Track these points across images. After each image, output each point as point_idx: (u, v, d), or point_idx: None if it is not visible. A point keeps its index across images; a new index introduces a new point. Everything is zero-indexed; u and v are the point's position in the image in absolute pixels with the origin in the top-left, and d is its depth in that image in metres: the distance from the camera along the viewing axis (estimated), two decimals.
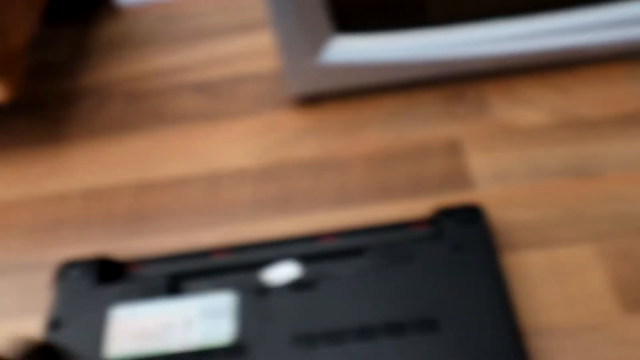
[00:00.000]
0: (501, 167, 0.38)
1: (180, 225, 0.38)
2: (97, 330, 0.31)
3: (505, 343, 0.29)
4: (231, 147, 0.41)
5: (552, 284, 0.34)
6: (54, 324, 0.31)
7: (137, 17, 0.48)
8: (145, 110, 0.43)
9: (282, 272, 0.32)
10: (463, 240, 0.32)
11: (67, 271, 0.33)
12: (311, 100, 0.42)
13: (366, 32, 0.37)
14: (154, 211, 0.39)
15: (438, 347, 0.29)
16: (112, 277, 0.33)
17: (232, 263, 0.33)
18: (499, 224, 0.36)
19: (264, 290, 0.31)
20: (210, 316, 0.30)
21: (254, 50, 0.45)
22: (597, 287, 0.33)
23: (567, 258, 0.34)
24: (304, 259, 0.33)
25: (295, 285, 0.31)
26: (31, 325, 0.34)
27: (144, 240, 0.37)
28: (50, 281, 0.35)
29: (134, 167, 0.41)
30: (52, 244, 0.37)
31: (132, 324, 0.31)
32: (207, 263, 0.33)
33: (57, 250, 0.37)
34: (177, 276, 0.33)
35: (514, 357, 0.28)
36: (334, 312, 0.30)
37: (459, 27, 0.39)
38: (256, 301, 0.31)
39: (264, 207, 0.38)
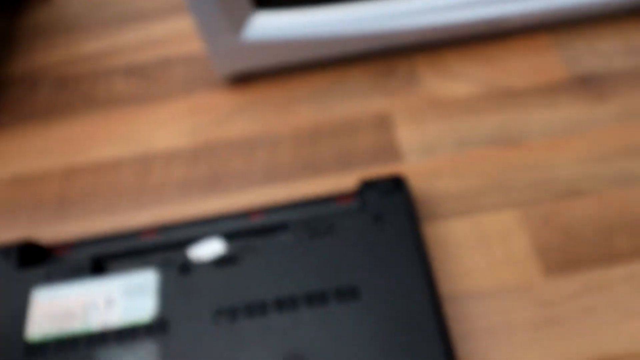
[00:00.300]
0: (429, 139, 0.39)
1: (111, 208, 0.38)
2: (18, 314, 0.30)
3: (425, 309, 0.29)
4: (162, 129, 0.41)
5: (476, 250, 0.34)
6: None
7: (65, 2, 0.47)
8: (75, 95, 0.43)
9: (207, 249, 0.32)
10: (384, 211, 0.32)
11: None
12: (241, 80, 0.42)
13: (289, 7, 0.37)
14: (84, 195, 0.38)
15: (359, 315, 0.29)
16: (36, 261, 0.33)
17: (158, 243, 0.33)
18: (425, 194, 0.36)
19: (188, 267, 0.31)
20: (132, 294, 0.30)
21: (185, 32, 0.44)
22: (519, 252, 0.34)
23: (490, 225, 0.35)
24: (230, 236, 0.33)
25: (219, 262, 0.32)
26: None
27: (73, 224, 0.37)
28: None
29: (63, 152, 0.40)
30: None
31: (53, 305, 0.30)
32: (134, 243, 0.33)
33: None
34: (102, 258, 0.33)
35: (433, 322, 0.29)
36: (256, 286, 0.30)
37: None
38: (179, 278, 0.31)
39: (195, 187, 0.38)
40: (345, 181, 0.37)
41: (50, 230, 0.37)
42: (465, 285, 0.33)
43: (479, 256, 0.34)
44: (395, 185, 0.33)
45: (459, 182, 0.37)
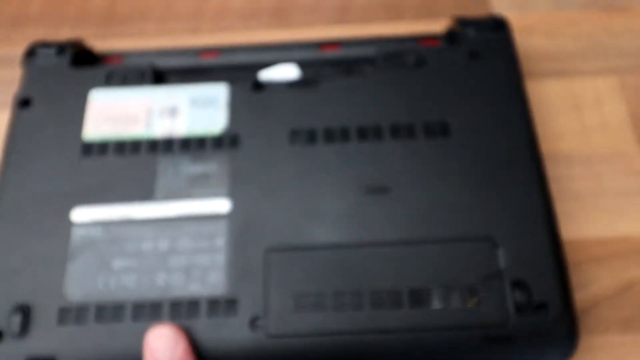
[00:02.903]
0: None
1: (164, 31, 0.34)
2: (72, 112, 0.27)
3: (523, 155, 0.26)
4: None
5: (568, 113, 0.31)
6: (23, 102, 0.28)
7: None
8: None
9: (280, 72, 0.29)
10: (483, 48, 0.29)
11: (38, 51, 0.29)
12: None
13: None
14: (134, 13, 0.34)
15: (448, 152, 0.26)
16: (91, 64, 0.29)
17: (224, 63, 0.30)
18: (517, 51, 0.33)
19: (261, 86, 0.28)
20: (200, 105, 0.27)
21: None
22: (614, 119, 0.31)
23: (585, 89, 0.32)
24: (305, 64, 0.30)
25: (295, 84, 0.28)
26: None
27: (122, 43, 0.33)
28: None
29: None
30: (21, 41, 0.33)
31: (113, 108, 0.27)
32: (196, 61, 0.30)
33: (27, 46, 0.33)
34: (162, 71, 0.29)
35: (530, 170, 0.26)
36: (337, 111, 0.27)
37: None
38: (252, 95, 0.28)
39: (257, 19, 0.34)
40: (425, 28, 0.34)
41: (97, 47, 0.33)
42: (554, 147, 0.30)
43: (571, 120, 0.31)
44: (497, 24, 0.30)
45: (553, 42, 0.33)
